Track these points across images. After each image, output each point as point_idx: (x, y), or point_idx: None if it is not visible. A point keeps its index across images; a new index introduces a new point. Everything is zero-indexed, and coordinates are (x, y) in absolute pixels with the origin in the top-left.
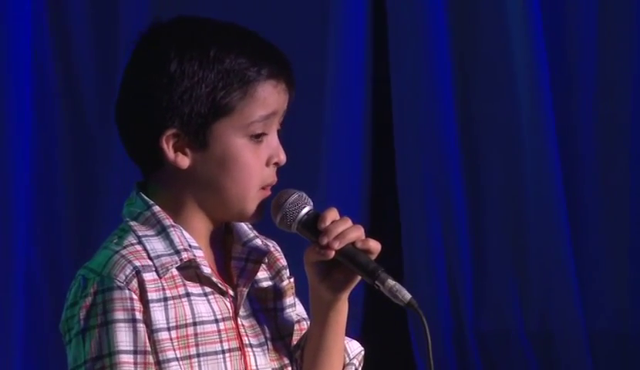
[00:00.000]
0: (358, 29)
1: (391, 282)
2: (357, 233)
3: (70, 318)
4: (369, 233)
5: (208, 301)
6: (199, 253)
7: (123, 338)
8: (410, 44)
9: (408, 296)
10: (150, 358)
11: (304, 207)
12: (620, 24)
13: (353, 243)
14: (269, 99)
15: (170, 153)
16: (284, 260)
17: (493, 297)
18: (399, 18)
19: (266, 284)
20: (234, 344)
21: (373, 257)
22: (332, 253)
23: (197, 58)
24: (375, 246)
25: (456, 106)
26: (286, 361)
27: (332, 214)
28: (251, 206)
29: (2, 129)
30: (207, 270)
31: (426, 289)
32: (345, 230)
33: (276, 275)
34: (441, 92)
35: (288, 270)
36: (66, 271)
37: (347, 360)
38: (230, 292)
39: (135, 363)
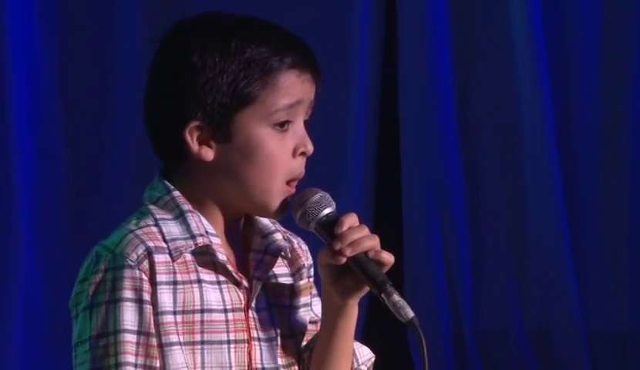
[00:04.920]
0: (370, 35)
1: (396, 298)
2: (371, 243)
3: (79, 293)
4: (372, 232)
5: (220, 289)
6: (216, 240)
7: (129, 317)
8: (417, 47)
9: (411, 314)
10: (153, 341)
11: (326, 208)
12: (620, 24)
13: (367, 253)
14: (292, 87)
15: (194, 145)
16: (308, 259)
17: (492, 297)
18: (407, 25)
19: (284, 280)
20: (241, 336)
21: (385, 269)
22: (343, 260)
23: (219, 50)
24: (387, 258)
25: (457, 107)
26: (294, 359)
27: (351, 220)
28: (275, 200)
29: (3, 129)
30: (222, 257)
31: (425, 288)
32: (359, 238)
33: (296, 272)
34: (442, 93)
35: (311, 269)
36: (65, 274)
37: (355, 365)
38: (245, 283)
39: (137, 343)
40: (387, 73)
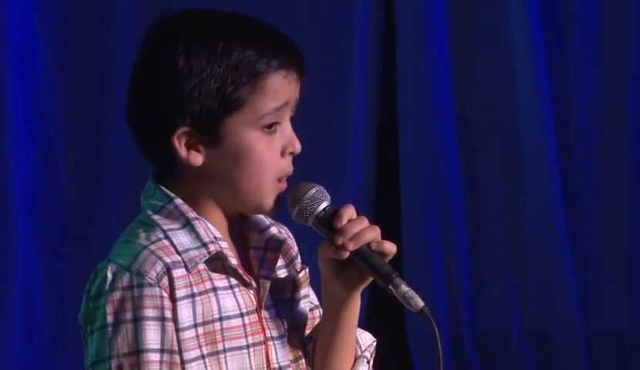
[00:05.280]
0: (369, 35)
1: (404, 288)
2: (373, 235)
3: (93, 310)
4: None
5: (234, 294)
6: (224, 244)
7: (152, 336)
8: (416, 46)
9: (421, 303)
10: (176, 358)
11: (322, 203)
12: (619, 25)
13: (368, 245)
14: (280, 90)
15: (182, 151)
16: (296, 247)
17: (491, 297)
18: (406, 25)
19: (282, 273)
20: (258, 338)
21: (388, 259)
22: (346, 254)
23: (205, 53)
24: (390, 248)
25: (455, 107)
26: (300, 353)
27: (349, 212)
28: (268, 199)
29: (1, 129)
30: (233, 262)
31: (424, 288)
32: (360, 231)
33: (290, 263)
34: (441, 93)
35: (299, 257)
36: (64, 274)
37: (359, 352)
38: (254, 284)
39: (161, 362)
40: (386, 73)
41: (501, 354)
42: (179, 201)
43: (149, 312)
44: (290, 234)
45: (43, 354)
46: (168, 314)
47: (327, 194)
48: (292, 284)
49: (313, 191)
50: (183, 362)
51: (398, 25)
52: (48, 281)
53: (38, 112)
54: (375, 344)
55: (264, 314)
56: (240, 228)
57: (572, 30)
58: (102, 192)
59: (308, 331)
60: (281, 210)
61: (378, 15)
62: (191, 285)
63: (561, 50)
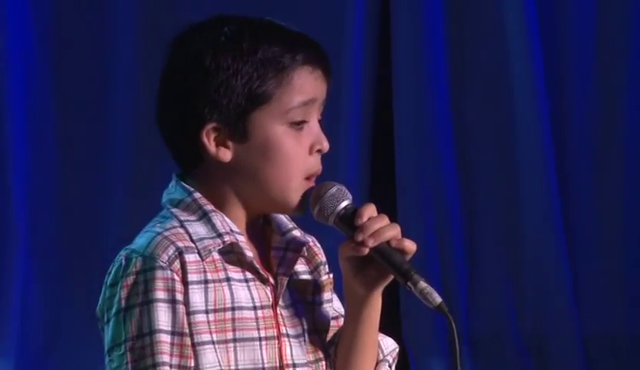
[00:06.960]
0: (364, 33)
1: (423, 284)
2: (393, 232)
3: (110, 298)
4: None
5: (248, 287)
6: (241, 237)
7: (163, 317)
8: (411, 47)
9: (438, 300)
10: (187, 340)
11: (343, 201)
12: (616, 25)
13: (388, 242)
14: (306, 85)
15: (211, 147)
16: (323, 256)
17: (487, 301)
18: (402, 23)
19: (305, 276)
20: (271, 332)
21: (408, 257)
22: (366, 251)
23: (231, 52)
24: (410, 246)
25: (452, 107)
26: (321, 354)
27: (370, 210)
28: (294, 196)
29: None
30: (249, 254)
31: None
32: (381, 228)
33: (315, 270)
34: (437, 93)
35: (326, 266)
36: (61, 274)
37: (381, 356)
38: (271, 280)
39: (172, 344)
40: (382, 71)
41: (497, 359)
42: (197, 195)
43: (160, 294)
44: (318, 244)
45: (40, 353)
46: (179, 296)
47: (348, 193)
48: (314, 286)
49: (334, 190)
50: (195, 345)
51: (393, 22)
52: (46, 281)
53: (36, 112)
54: (397, 350)
55: (281, 310)
56: (263, 230)
57: (569, 30)
58: (100, 192)
59: (330, 337)
60: (305, 214)
61: (373, 12)
62: (205, 272)
63: (558, 51)
